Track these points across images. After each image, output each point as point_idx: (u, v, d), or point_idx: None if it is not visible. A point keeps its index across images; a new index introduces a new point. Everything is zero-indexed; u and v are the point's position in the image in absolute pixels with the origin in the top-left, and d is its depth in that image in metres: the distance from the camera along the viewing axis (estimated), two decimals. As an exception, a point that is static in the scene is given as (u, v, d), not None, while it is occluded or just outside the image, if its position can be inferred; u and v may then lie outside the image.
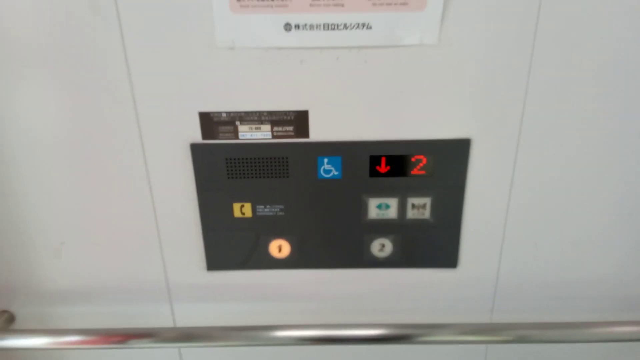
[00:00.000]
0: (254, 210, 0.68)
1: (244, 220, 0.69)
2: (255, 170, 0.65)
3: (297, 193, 0.67)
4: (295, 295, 0.75)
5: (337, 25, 0.56)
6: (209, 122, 0.62)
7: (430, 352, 0.81)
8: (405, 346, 0.79)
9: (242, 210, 0.68)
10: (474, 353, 0.81)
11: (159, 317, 0.76)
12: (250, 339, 0.69)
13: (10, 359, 0.80)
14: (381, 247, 0.71)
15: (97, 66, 0.59)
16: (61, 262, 0.72)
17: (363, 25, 0.56)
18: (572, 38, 0.58)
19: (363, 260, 0.72)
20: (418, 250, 0.71)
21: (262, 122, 0.62)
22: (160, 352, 0.80)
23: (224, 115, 0.62)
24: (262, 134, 0.63)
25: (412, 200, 0.67)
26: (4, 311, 0.75)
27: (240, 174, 0.65)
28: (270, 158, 0.65)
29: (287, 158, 0.64)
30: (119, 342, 0.69)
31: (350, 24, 0.56)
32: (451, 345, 0.80)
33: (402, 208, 0.68)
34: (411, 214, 0.68)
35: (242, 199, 0.67)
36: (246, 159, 0.65)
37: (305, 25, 0.56)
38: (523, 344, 0.80)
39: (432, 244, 0.71)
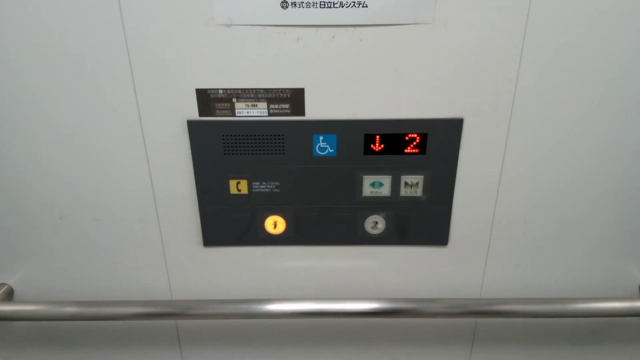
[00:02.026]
0: (250, 186, 0.69)
1: (240, 196, 0.70)
2: (252, 147, 0.66)
3: (292, 170, 0.68)
4: (289, 271, 0.77)
5: (334, 3, 0.56)
6: (206, 98, 0.63)
7: (420, 327, 0.83)
8: (395, 320, 0.81)
9: (238, 186, 0.69)
10: (463, 328, 0.83)
11: (157, 292, 0.77)
12: (245, 312, 0.70)
13: (10, 331, 0.82)
14: (374, 224, 0.72)
15: (96, 43, 0.59)
16: (59, 236, 0.73)
17: (359, 3, 0.56)
18: (565, 18, 0.58)
19: (357, 237, 0.73)
20: (410, 228, 0.72)
21: (258, 99, 0.63)
22: (157, 325, 0.82)
23: (220, 92, 0.62)
24: (258, 111, 0.64)
25: (405, 178, 0.69)
26: (3, 284, 0.76)
27: (236, 150, 0.66)
28: (267, 135, 0.65)
29: (283, 135, 0.65)
30: (116, 314, 0.70)
31: (347, 2, 0.56)
32: (441, 320, 0.82)
33: (395, 186, 0.69)
34: (404, 191, 0.70)
35: (238, 176, 0.68)
36: (243, 135, 0.65)
37: (302, 2, 0.56)
38: (511, 320, 0.82)
39: (423, 222, 0.72)
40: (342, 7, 0.57)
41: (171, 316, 0.73)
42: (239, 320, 0.81)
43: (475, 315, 0.74)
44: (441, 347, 0.85)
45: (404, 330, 0.83)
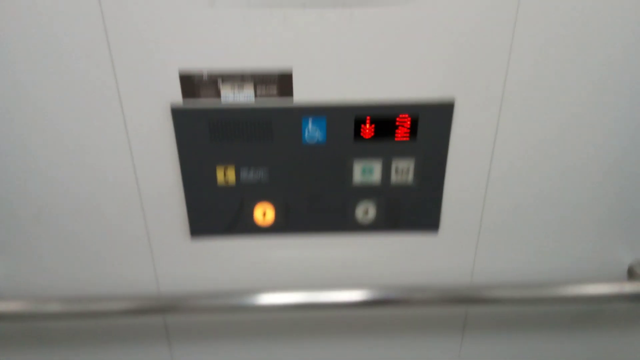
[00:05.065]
0: (237, 174, 0.67)
1: (227, 185, 0.68)
2: (239, 134, 0.64)
3: (281, 157, 0.66)
4: (279, 261, 0.75)
5: (321, -21, 0.55)
6: (190, 82, 0.61)
7: (411, 315, 0.82)
8: (386, 309, 0.80)
9: (226, 174, 0.67)
10: (454, 317, 0.82)
11: (143, 285, 0.75)
12: (234, 303, 0.69)
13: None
14: (365, 211, 0.71)
15: (73, 24, 0.57)
16: (40, 230, 0.70)
17: (348, -21, 0.55)
18: (556, -4, 0.58)
19: (347, 224, 0.72)
20: (401, 215, 0.71)
21: (244, 81, 0.61)
22: (144, 321, 0.80)
23: (205, 74, 0.60)
24: (244, 95, 0.62)
25: (395, 164, 0.67)
26: (-19, 280, 0.73)
27: (223, 136, 0.64)
28: (254, 121, 0.63)
29: (270, 121, 0.64)
30: (102, 310, 0.68)
31: (335, -22, 0.55)
32: (431, 309, 0.81)
33: (386, 172, 0.68)
34: (395, 178, 0.68)
35: (225, 163, 0.66)
36: (229, 121, 0.63)
37: (289, -21, 0.55)
38: (501, 309, 0.81)
39: (414, 208, 0.71)
40: (330, -17, 0.55)
41: (159, 311, 0.71)
42: (228, 313, 0.79)
43: (465, 302, 0.73)
44: (432, 336, 0.84)
45: (395, 318, 0.82)
